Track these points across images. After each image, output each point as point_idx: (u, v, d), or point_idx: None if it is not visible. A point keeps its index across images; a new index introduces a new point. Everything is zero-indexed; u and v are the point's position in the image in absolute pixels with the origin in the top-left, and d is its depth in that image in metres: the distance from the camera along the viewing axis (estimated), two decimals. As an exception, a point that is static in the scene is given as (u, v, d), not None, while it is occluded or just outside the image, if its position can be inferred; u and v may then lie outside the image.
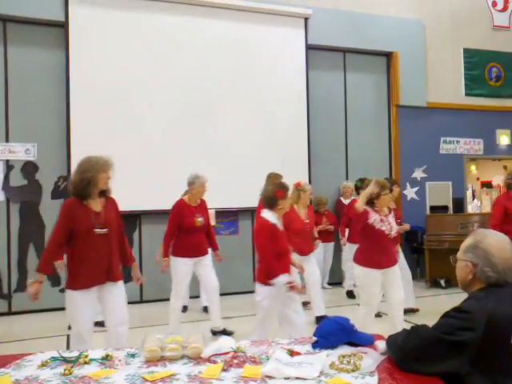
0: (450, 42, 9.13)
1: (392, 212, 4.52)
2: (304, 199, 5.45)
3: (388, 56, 8.77)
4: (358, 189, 6.93)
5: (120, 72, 6.99)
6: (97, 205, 3.53)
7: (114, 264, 3.59)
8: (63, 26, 6.79)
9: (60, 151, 6.80)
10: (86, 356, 2.31)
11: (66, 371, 2.13)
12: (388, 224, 4.32)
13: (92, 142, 6.76)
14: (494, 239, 1.98)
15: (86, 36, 6.85)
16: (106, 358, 2.31)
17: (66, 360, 2.29)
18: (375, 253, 4.27)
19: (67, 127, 6.77)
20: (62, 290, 6.71)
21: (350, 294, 7.02)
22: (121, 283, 3.64)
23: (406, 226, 5.77)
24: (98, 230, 3.46)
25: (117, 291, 3.60)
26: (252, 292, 4.00)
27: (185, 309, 6.09)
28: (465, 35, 9.22)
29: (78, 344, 3.38)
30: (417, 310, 5.94)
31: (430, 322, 2.05)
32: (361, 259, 4.35)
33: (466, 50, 9.25)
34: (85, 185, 3.42)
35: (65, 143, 6.79)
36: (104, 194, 3.61)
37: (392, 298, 4.39)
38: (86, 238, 3.44)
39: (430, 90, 8.91)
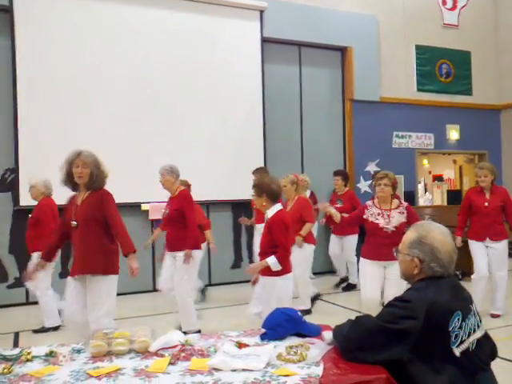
0: (402, 38, 9.33)
1: (401, 206, 4.39)
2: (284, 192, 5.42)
3: (342, 51, 8.88)
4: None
5: (70, 61, 6.77)
6: (80, 198, 3.69)
7: (87, 257, 3.59)
8: (8, 10, 6.51)
9: (6, 143, 6.55)
10: (29, 353, 2.24)
11: (5, 370, 2.06)
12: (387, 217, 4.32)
13: (41, 133, 6.59)
14: (437, 233, 2.03)
15: (32, 22, 6.58)
16: (50, 354, 2.25)
17: (5, 358, 2.21)
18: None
19: (14, 118, 6.52)
20: (9, 287, 6.53)
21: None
22: (98, 278, 3.57)
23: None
24: (73, 223, 3.63)
25: (90, 285, 3.60)
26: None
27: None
28: (417, 32, 9.44)
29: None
30: None
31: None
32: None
33: (418, 47, 9.48)
34: (64, 179, 3.67)
35: (12, 135, 6.53)
36: (93, 187, 3.66)
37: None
38: (68, 230, 3.68)
39: (384, 85, 9.08)
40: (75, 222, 3.61)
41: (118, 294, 3.83)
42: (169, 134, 7.31)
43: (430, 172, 14.80)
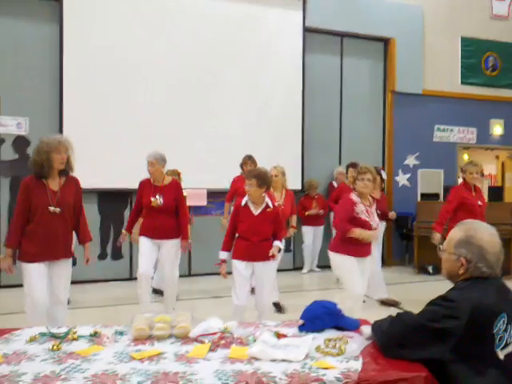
0: (448, 29, 9.08)
1: (374, 202, 4.38)
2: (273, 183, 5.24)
3: (385, 42, 8.71)
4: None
5: (115, 47, 6.89)
6: (55, 184, 3.65)
7: (67, 242, 3.73)
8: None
9: (52, 126, 6.71)
10: (75, 332, 2.34)
11: (55, 347, 2.15)
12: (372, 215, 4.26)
13: (84, 117, 6.75)
14: (485, 233, 1.99)
15: (80, 10, 6.73)
16: (95, 334, 2.33)
17: (54, 336, 2.31)
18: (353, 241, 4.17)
19: (60, 102, 6.70)
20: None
21: None
22: (70, 261, 3.80)
23: (393, 214, 5.99)
24: (52, 208, 3.58)
25: (63, 270, 3.74)
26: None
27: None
28: (463, 23, 9.17)
29: (32, 315, 3.55)
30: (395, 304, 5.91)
31: (417, 307, 2.08)
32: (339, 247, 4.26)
33: (463, 39, 9.20)
34: (40, 166, 3.54)
35: (57, 118, 6.72)
36: (66, 173, 3.70)
37: None
38: (41, 215, 3.57)
39: (426, 77, 8.89)
40: (58, 208, 3.59)
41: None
42: (207, 121, 7.35)
43: (470, 167, 14.41)
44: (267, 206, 4.05)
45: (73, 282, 6.41)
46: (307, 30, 7.98)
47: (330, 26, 8.18)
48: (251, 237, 3.98)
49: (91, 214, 6.94)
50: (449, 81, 9.11)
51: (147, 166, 4.76)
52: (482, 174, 5.17)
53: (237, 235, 4.10)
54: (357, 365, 1.95)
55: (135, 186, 5.01)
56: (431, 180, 9.02)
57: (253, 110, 7.61)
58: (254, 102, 7.62)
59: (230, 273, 4.06)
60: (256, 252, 4.00)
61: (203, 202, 7.22)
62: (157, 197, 4.72)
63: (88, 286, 6.54)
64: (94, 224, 6.97)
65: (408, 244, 8.45)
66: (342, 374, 1.86)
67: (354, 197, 4.19)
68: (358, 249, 4.16)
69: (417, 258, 7.94)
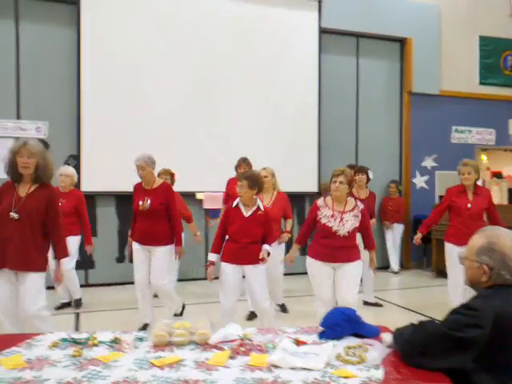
0: (465, 28, 8.98)
1: (356, 208, 4.08)
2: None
3: (402, 42, 8.65)
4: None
5: (131, 50, 6.94)
6: (24, 190, 3.51)
7: (24, 253, 3.45)
8: (75, 2, 6.73)
9: (71, 130, 6.80)
10: (95, 338, 2.35)
11: (76, 353, 2.17)
12: (340, 221, 4.02)
13: (102, 120, 6.82)
14: (507, 240, 1.96)
15: (97, 14, 6.80)
16: (115, 340, 2.34)
17: (75, 342, 2.33)
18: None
19: (78, 106, 6.77)
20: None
21: None
22: (33, 275, 3.49)
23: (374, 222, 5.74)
24: (11, 214, 3.42)
25: (25, 281, 3.47)
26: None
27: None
28: (481, 22, 9.05)
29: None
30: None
31: (437, 312, 2.06)
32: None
33: (481, 38, 9.09)
34: (8, 167, 3.49)
35: (75, 122, 6.79)
36: (39, 180, 3.52)
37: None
38: (2, 220, 3.44)
39: (444, 77, 8.79)
40: (17, 215, 3.41)
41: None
42: (223, 122, 7.37)
43: (488, 168, 14.24)
44: (258, 209, 4.07)
45: (90, 285, 6.58)
46: (323, 31, 7.95)
47: (346, 27, 8.14)
48: (240, 239, 3.98)
49: (109, 216, 7.03)
50: (467, 81, 9.01)
51: (137, 170, 4.57)
52: (479, 176, 4.93)
53: (227, 237, 4.12)
54: (378, 374, 1.93)
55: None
56: (449, 182, 8.86)
57: (268, 112, 7.60)
58: (270, 104, 7.62)
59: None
60: (244, 254, 4.00)
61: (219, 205, 7.22)
62: (144, 200, 4.56)
63: (106, 289, 6.59)
64: (112, 227, 7.04)
65: (426, 247, 8.36)
66: (364, 383, 1.84)
67: (319, 201, 4.13)
68: (326, 252, 4.01)
69: (435, 262, 7.85)
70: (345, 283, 4.01)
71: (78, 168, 6.64)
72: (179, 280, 6.26)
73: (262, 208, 4.10)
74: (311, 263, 4.12)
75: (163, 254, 4.60)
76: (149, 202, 4.53)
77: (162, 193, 4.60)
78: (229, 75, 7.40)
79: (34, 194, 3.51)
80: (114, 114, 6.86)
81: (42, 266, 3.54)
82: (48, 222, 3.54)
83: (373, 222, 5.61)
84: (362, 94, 8.47)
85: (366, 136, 8.45)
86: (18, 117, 6.69)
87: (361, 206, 4.12)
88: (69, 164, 6.80)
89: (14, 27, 6.65)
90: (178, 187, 5.73)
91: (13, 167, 3.46)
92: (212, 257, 4.09)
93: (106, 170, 6.76)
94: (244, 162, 5.76)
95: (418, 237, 5.21)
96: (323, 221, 4.01)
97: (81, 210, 5.45)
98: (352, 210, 4.05)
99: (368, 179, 6.01)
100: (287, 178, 7.42)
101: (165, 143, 6.92)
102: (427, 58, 8.59)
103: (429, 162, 8.79)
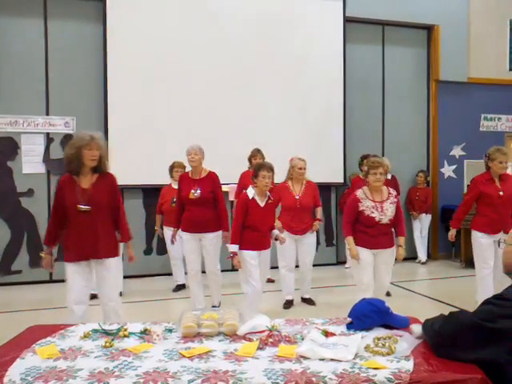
0: (495, 13, 8.73)
1: (391, 195, 4.34)
2: (294, 174, 5.34)
3: (429, 29, 8.47)
4: (359, 165, 6.73)
5: (157, 46, 6.98)
6: (86, 182, 3.58)
7: (100, 242, 3.57)
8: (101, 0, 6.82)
9: (98, 125, 6.86)
10: (126, 329, 2.39)
11: (107, 344, 2.21)
12: (381, 210, 4.25)
13: (128, 114, 6.89)
14: None
15: (123, 9, 6.86)
16: (145, 332, 2.38)
17: (106, 333, 2.37)
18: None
19: (104, 101, 6.86)
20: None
21: None
22: (109, 261, 3.64)
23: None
24: (80, 207, 3.50)
25: (103, 269, 3.63)
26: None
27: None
28: (511, 6, 8.80)
29: (70, 315, 3.53)
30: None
31: (466, 303, 2.03)
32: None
33: (512, 23, 8.85)
34: (70, 161, 3.52)
35: (102, 117, 6.88)
36: (99, 170, 3.62)
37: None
38: (72, 214, 3.53)
39: (472, 64, 8.59)
40: (87, 207, 3.50)
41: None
42: (249, 114, 7.36)
43: (518, 156, 13.91)
44: (269, 198, 4.41)
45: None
46: (348, 20, 7.84)
47: (371, 15, 8.00)
48: (261, 227, 4.33)
49: (136, 209, 7.09)
50: (496, 67, 8.78)
51: (190, 156, 4.89)
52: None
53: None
54: (408, 365, 1.92)
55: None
56: (478, 171, 8.64)
57: (293, 104, 7.56)
58: (295, 96, 7.57)
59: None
60: (264, 241, 4.40)
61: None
62: (195, 189, 4.85)
63: (134, 281, 6.68)
64: (140, 219, 7.12)
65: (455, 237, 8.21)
66: (393, 375, 1.83)
67: (358, 193, 4.32)
68: (370, 241, 4.28)
69: (464, 252, 7.71)
70: (384, 268, 4.37)
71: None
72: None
73: (272, 197, 4.45)
74: (359, 251, 4.32)
75: (215, 240, 4.93)
76: (199, 190, 4.82)
77: (211, 182, 4.91)
78: (253, 66, 7.37)
79: (98, 183, 3.61)
80: (140, 108, 6.91)
81: (118, 251, 3.79)
82: (113, 207, 3.70)
83: None
84: (388, 83, 8.33)
85: (392, 126, 8.33)
86: (47, 113, 6.82)
87: (394, 192, 4.39)
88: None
89: (43, 25, 6.77)
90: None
91: (78, 160, 3.48)
92: (234, 248, 4.31)
93: (133, 164, 6.83)
94: (259, 153, 5.90)
95: (452, 233, 5.16)
96: (366, 212, 4.24)
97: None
98: (388, 198, 4.32)
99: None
100: (313, 168, 7.40)
101: (191, 139, 6.89)
102: (455, 45, 8.39)
103: (457, 151, 8.62)
